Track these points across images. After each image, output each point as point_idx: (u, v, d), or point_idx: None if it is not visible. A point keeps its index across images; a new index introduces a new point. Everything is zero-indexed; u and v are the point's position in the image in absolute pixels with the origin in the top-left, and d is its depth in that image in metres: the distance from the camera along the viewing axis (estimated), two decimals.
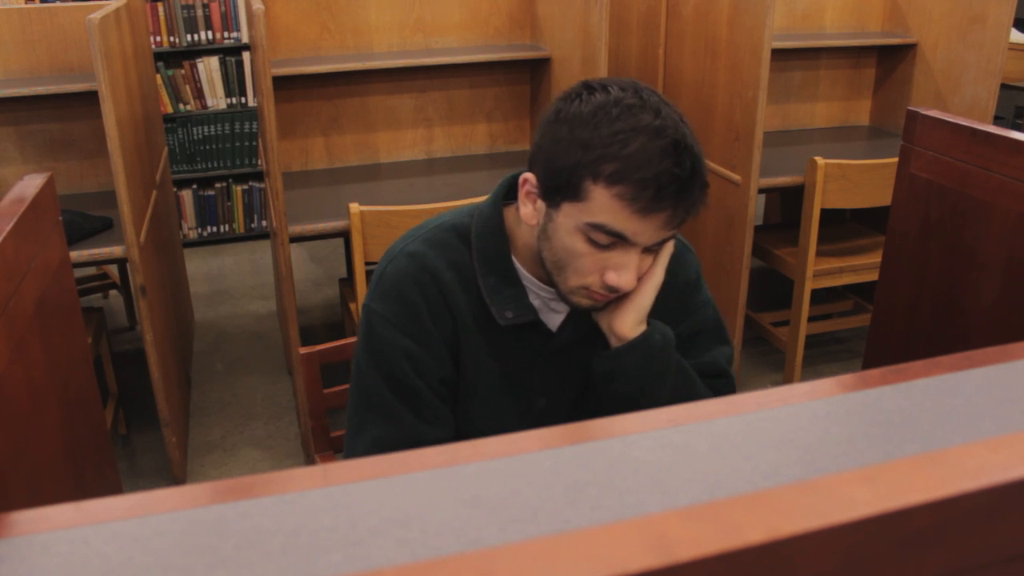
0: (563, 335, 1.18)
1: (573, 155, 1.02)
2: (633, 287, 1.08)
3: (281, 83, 2.69)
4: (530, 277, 1.16)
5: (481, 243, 1.15)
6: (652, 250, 1.08)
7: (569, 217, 1.04)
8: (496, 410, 1.19)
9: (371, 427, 1.15)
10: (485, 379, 1.18)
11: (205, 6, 4.00)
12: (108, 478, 1.50)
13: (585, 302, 1.10)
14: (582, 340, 1.18)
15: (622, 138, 0.99)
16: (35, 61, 2.71)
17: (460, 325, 1.15)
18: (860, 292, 3.19)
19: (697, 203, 1.04)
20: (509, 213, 1.17)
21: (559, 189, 1.04)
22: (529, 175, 1.10)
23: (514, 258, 1.16)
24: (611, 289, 1.07)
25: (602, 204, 1.01)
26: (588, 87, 1.05)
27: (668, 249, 1.13)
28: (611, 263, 1.05)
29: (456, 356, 1.17)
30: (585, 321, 1.17)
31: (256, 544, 0.50)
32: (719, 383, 1.25)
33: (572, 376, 1.20)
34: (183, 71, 4.05)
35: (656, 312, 1.16)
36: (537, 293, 1.17)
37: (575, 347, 1.19)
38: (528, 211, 1.11)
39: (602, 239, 1.03)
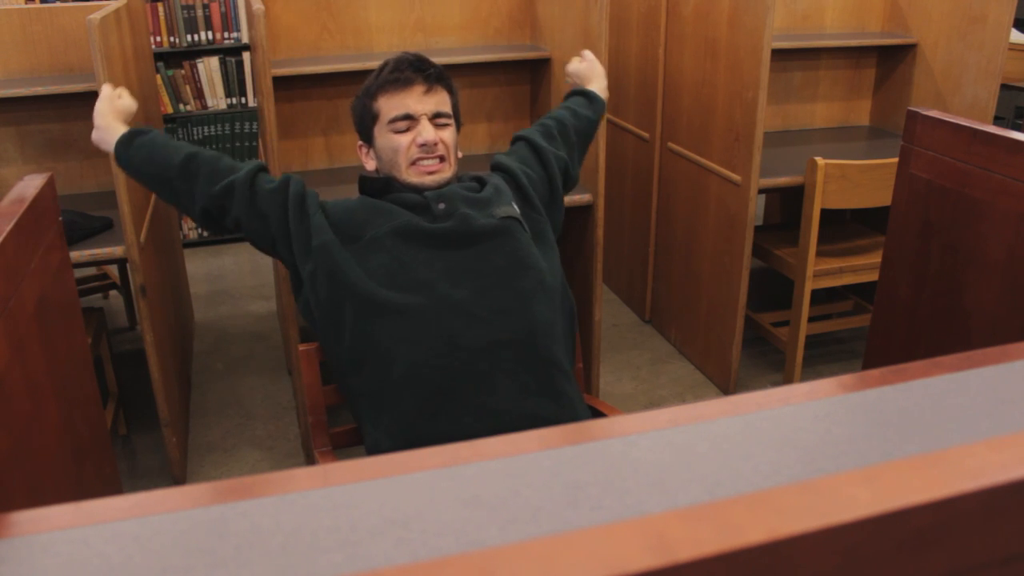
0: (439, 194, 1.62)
1: (361, 103, 1.66)
2: (434, 139, 1.59)
3: (281, 83, 2.69)
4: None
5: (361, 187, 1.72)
6: (440, 124, 1.62)
7: (379, 132, 1.62)
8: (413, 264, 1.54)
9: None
10: (398, 258, 1.53)
11: (205, 6, 4.00)
12: (108, 478, 1.50)
13: (423, 178, 1.61)
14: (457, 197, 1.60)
15: (374, 75, 1.64)
16: (35, 61, 2.71)
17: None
18: (860, 292, 3.19)
19: (432, 74, 1.61)
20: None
21: (368, 124, 1.64)
22: (359, 143, 1.69)
23: None
24: (425, 149, 1.59)
25: (384, 106, 1.60)
26: None
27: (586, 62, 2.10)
28: (415, 135, 1.59)
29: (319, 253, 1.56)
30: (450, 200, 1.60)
31: (256, 544, 0.50)
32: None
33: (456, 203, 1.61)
34: (183, 71, 4.05)
35: (517, 193, 1.69)
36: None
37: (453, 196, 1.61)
38: (369, 163, 1.68)
39: (400, 125, 1.59)
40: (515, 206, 1.65)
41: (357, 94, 1.67)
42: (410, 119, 1.59)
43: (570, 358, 1.61)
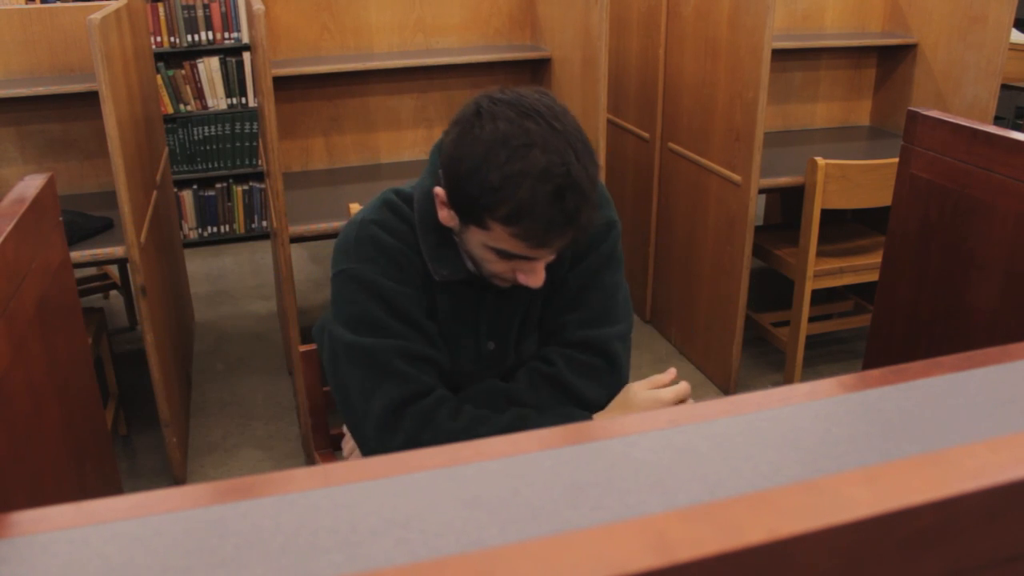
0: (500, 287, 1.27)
1: (471, 191, 1.10)
2: (539, 285, 1.19)
3: (281, 83, 2.70)
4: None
5: (421, 208, 1.24)
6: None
7: (476, 236, 1.15)
8: (453, 353, 1.28)
9: (379, 392, 1.20)
10: (441, 325, 1.28)
11: (205, 6, 4.00)
12: (108, 478, 1.50)
13: (505, 284, 1.23)
14: (518, 287, 1.26)
15: (512, 182, 1.06)
16: (35, 61, 2.71)
17: (420, 276, 1.26)
18: (860, 292, 3.19)
19: (586, 226, 1.13)
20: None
21: (464, 215, 1.14)
22: (440, 191, 1.17)
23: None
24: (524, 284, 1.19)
25: (501, 236, 1.12)
26: (479, 114, 1.11)
27: None
28: (520, 268, 1.18)
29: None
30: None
31: (256, 544, 0.50)
32: (595, 361, 1.33)
33: (513, 319, 1.31)
34: (183, 71, 4.05)
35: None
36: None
37: (513, 292, 1.29)
38: (444, 215, 1.19)
39: (506, 256, 1.15)
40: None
41: (468, 168, 1.10)
42: (524, 258, 1.17)
43: None
